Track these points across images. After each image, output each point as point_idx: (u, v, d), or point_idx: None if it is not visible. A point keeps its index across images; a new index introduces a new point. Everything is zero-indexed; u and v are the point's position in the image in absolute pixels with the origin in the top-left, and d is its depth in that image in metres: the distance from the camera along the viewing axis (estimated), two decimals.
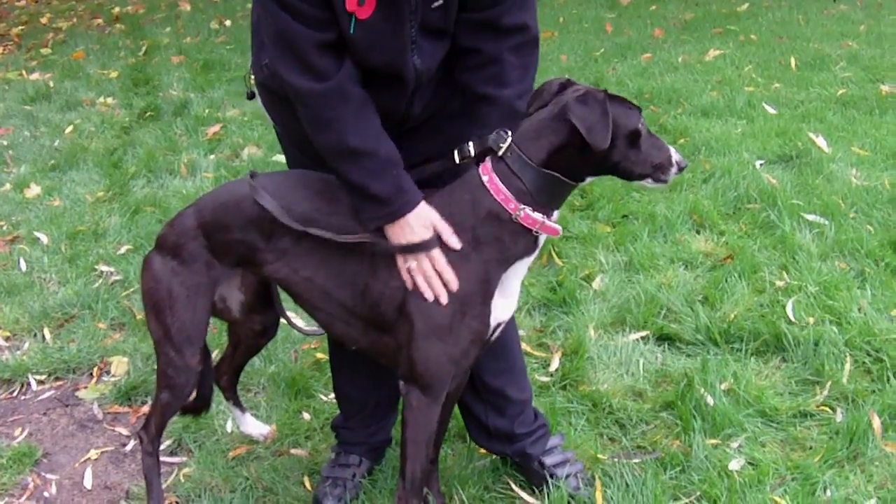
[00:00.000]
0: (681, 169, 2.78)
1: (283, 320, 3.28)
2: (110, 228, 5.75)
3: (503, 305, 2.84)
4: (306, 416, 3.91)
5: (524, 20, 2.83)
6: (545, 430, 3.44)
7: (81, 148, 7.34)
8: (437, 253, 2.72)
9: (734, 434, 3.59)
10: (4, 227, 5.97)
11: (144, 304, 3.03)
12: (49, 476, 3.73)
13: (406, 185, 2.75)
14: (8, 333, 4.71)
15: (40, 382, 4.33)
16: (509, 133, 2.74)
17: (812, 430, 3.64)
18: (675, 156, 2.78)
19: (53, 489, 3.66)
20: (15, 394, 4.28)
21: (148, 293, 3.00)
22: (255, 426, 3.60)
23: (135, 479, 3.66)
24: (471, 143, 2.80)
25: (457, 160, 2.82)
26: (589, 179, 2.79)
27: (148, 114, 8.22)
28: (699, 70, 8.48)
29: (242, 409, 3.57)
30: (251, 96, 3.10)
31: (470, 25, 2.80)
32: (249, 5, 2.92)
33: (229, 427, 3.86)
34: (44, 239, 5.68)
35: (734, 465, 3.42)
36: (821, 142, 6.25)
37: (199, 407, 3.39)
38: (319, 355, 4.24)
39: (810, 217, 5.20)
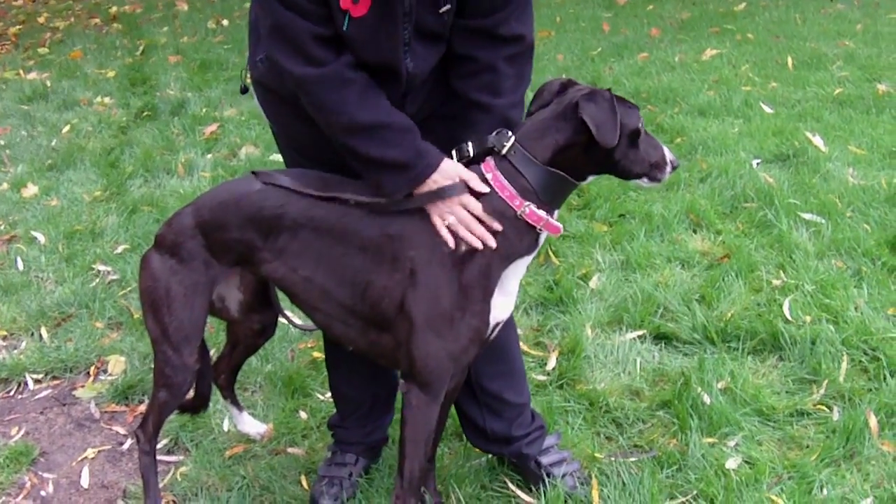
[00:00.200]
0: (674, 168, 2.83)
1: (281, 319, 3.28)
2: (107, 228, 5.74)
3: (502, 304, 2.84)
4: (303, 414, 3.91)
5: (521, 30, 2.83)
6: (542, 431, 3.44)
7: (79, 147, 7.33)
8: (467, 198, 2.71)
9: (731, 433, 3.60)
10: (2, 227, 5.96)
11: (142, 303, 3.03)
12: (46, 475, 3.73)
13: (425, 148, 2.75)
14: (5, 332, 4.70)
15: (37, 381, 4.33)
16: (510, 133, 2.75)
17: (809, 428, 3.64)
18: (669, 155, 2.82)
19: (50, 488, 3.66)
20: (12, 393, 4.28)
21: (146, 292, 3.00)
22: (252, 425, 3.60)
23: (132, 477, 3.66)
24: (469, 144, 2.81)
25: (455, 161, 2.83)
26: (590, 178, 2.82)
27: (145, 113, 8.21)
28: (696, 69, 8.48)
29: (240, 408, 3.57)
30: (244, 90, 3.10)
31: (466, 32, 2.81)
32: (247, 5, 2.93)
33: (226, 426, 3.86)
34: (41, 238, 5.68)
35: (731, 463, 3.43)
36: (817, 141, 6.25)
37: (198, 405, 3.39)
38: (316, 354, 4.25)
39: (807, 216, 5.20)
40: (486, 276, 2.75)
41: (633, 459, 3.51)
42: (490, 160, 2.76)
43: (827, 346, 4.02)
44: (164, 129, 7.65)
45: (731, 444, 3.54)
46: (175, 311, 2.95)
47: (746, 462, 3.45)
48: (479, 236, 2.71)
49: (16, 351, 4.55)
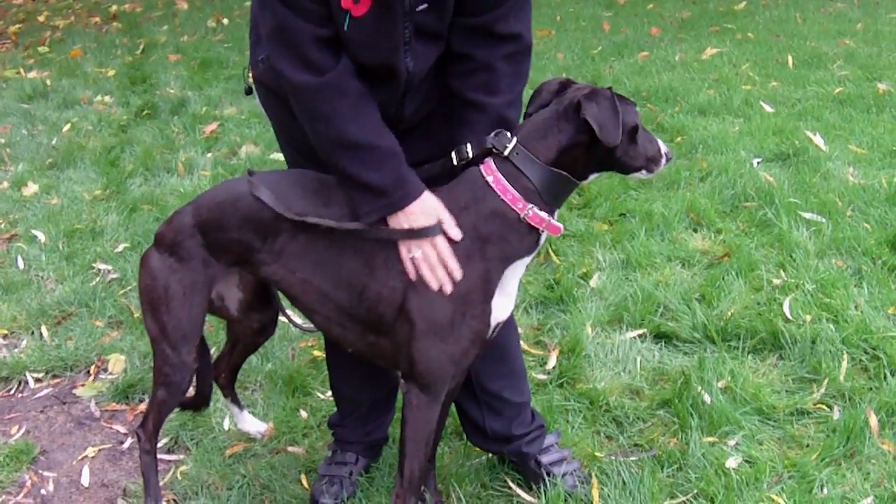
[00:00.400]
0: (668, 160, 2.86)
1: (281, 318, 3.28)
2: (108, 226, 5.75)
3: (502, 304, 2.84)
4: (303, 413, 3.91)
5: (519, 29, 2.83)
6: (542, 431, 3.43)
7: (79, 146, 7.33)
8: (440, 240, 2.70)
9: (731, 432, 3.60)
10: (2, 226, 5.96)
11: (141, 301, 3.03)
12: (46, 474, 3.73)
13: (406, 177, 2.74)
14: (5, 331, 4.70)
15: (38, 380, 4.33)
16: (510, 134, 2.75)
17: (809, 427, 3.64)
18: (664, 148, 2.85)
19: (51, 487, 3.66)
20: (12, 391, 4.28)
21: (145, 290, 3.00)
22: (252, 424, 3.60)
23: (132, 476, 3.66)
24: (468, 145, 2.80)
25: (455, 162, 2.83)
26: (591, 177, 2.82)
27: (145, 112, 8.21)
28: (696, 68, 8.48)
29: (240, 407, 3.57)
30: (248, 91, 3.10)
31: (464, 30, 2.80)
32: (247, 3, 2.93)
33: (226, 425, 3.86)
34: (41, 237, 5.68)
35: (731, 462, 3.42)
36: (818, 140, 6.26)
37: (199, 403, 3.39)
38: (316, 353, 4.25)
39: (807, 215, 5.20)
40: (486, 279, 2.74)
41: (633, 458, 3.51)
42: (490, 161, 2.75)
43: (827, 345, 4.02)
44: (164, 128, 7.65)
45: (732, 443, 3.54)
46: (174, 310, 2.95)
47: (747, 461, 3.45)
48: (437, 279, 2.71)
49: (16, 349, 4.55)
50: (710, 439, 3.56)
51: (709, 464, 3.42)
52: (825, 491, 3.27)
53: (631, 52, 9.31)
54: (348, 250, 2.79)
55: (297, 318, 3.29)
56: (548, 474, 3.35)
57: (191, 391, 3.24)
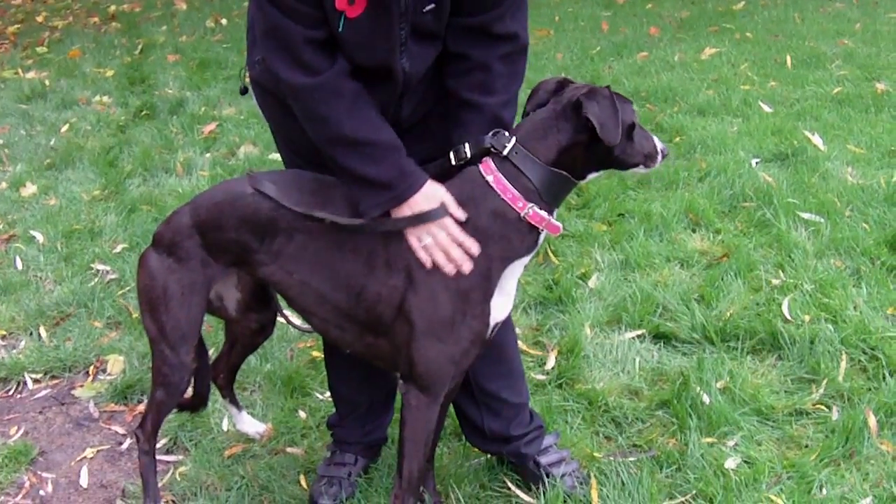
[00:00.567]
0: (664, 156, 2.87)
1: (280, 318, 3.28)
2: (106, 227, 5.74)
3: (501, 304, 2.84)
4: (302, 414, 3.91)
5: (515, 29, 2.82)
6: (540, 431, 3.43)
7: (77, 146, 7.33)
8: (448, 221, 2.70)
9: (730, 432, 3.60)
10: (0, 226, 5.96)
11: (140, 302, 3.03)
12: (45, 474, 3.73)
13: (409, 168, 2.74)
14: (4, 332, 4.70)
15: (36, 381, 4.33)
16: (507, 133, 2.75)
17: (808, 428, 3.64)
18: (659, 144, 2.86)
19: (49, 488, 3.65)
20: (11, 392, 4.27)
21: (143, 290, 3.00)
22: (251, 424, 3.60)
23: (131, 477, 3.66)
24: (466, 145, 2.80)
25: (453, 162, 2.82)
26: (590, 177, 2.82)
27: (144, 112, 8.20)
28: (695, 68, 8.49)
29: (239, 408, 3.57)
30: (244, 91, 3.10)
31: (461, 30, 2.80)
32: (245, 4, 2.93)
33: (225, 425, 3.85)
34: (40, 237, 5.67)
35: (730, 463, 3.42)
36: (816, 140, 6.26)
37: (196, 404, 3.39)
38: (315, 354, 4.25)
39: (806, 215, 5.21)
40: (486, 279, 2.74)
41: (632, 459, 3.51)
42: (489, 161, 2.75)
43: (826, 345, 4.02)
44: (162, 128, 7.65)
45: (731, 443, 3.54)
46: (172, 310, 2.94)
47: (745, 462, 3.45)
48: (455, 260, 2.70)
49: (14, 350, 4.55)
50: (709, 440, 3.56)
51: (708, 464, 3.42)
52: (824, 491, 3.27)
53: (630, 52, 9.31)
54: (346, 251, 2.79)
55: (296, 319, 3.29)
56: (547, 475, 3.35)
57: (189, 392, 3.24)
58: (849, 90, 7.51)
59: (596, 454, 3.54)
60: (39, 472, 3.74)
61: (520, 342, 3.86)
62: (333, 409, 3.57)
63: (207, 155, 6.95)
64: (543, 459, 3.38)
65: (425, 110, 2.97)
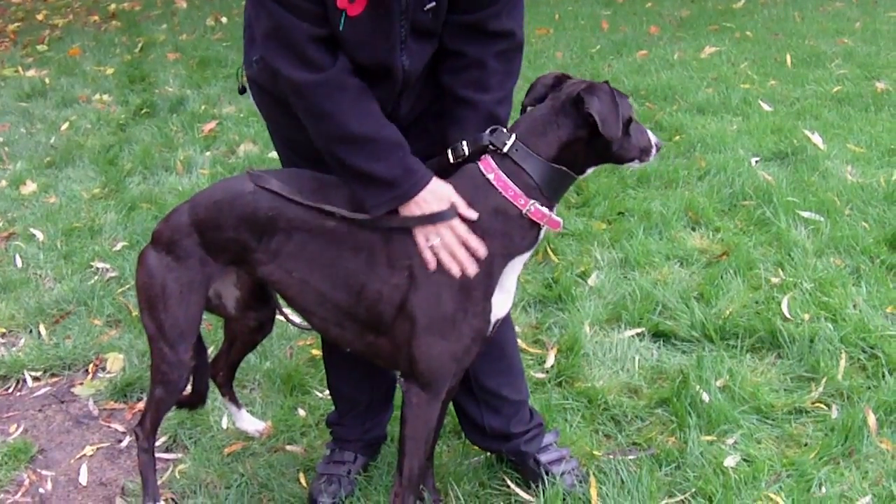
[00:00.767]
0: (658, 149, 2.88)
1: (279, 316, 3.28)
2: (106, 225, 5.75)
3: (502, 301, 2.84)
4: (301, 412, 3.91)
5: (511, 26, 2.83)
6: (540, 429, 3.43)
7: (77, 145, 7.34)
8: (457, 222, 2.70)
9: (729, 431, 3.59)
10: (0, 224, 5.96)
11: (139, 300, 3.03)
12: (44, 472, 3.73)
13: (414, 166, 2.73)
14: (3, 330, 4.70)
15: (36, 379, 4.33)
16: (505, 130, 2.75)
17: (807, 426, 3.64)
18: (653, 138, 2.87)
19: (49, 485, 3.65)
20: (10, 390, 4.27)
21: (142, 288, 2.99)
22: (250, 422, 3.60)
23: (130, 475, 3.66)
24: (465, 143, 2.80)
25: (451, 160, 2.82)
26: (589, 171, 2.82)
27: (144, 111, 8.21)
28: (695, 67, 8.49)
29: (238, 406, 3.57)
30: (242, 91, 3.10)
31: (457, 28, 2.80)
32: (245, 2, 2.92)
33: (225, 423, 3.85)
34: (39, 235, 5.68)
35: (729, 461, 3.42)
36: (816, 139, 6.26)
37: (195, 401, 3.39)
38: (315, 352, 4.25)
39: (806, 214, 5.21)
40: (488, 276, 2.74)
41: (631, 457, 3.50)
42: (489, 158, 2.75)
43: (825, 343, 4.02)
44: (162, 127, 7.65)
45: (730, 441, 3.54)
46: (171, 309, 2.94)
47: (745, 460, 3.45)
48: (461, 262, 2.70)
49: (14, 348, 4.55)
50: (709, 438, 3.56)
51: (707, 462, 3.42)
52: (823, 490, 3.27)
53: (630, 50, 9.31)
54: (346, 249, 2.78)
55: (295, 317, 3.29)
56: (546, 473, 3.35)
57: (187, 389, 3.24)
58: (849, 89, 7.52)
59: (595, 452, 3.54)
60: (39, 470, 3.74)
61: (519, 340, 3.87)
62: (333, 407, 3.57)
63: (207, 153, 6.96)
64: (543, 457, 3.38)
65: (422, 108, 2.98)
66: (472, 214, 2.72)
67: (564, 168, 2.73)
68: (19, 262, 5.38)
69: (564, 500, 3.28)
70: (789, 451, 3.51)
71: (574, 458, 3.45)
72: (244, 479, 3.54)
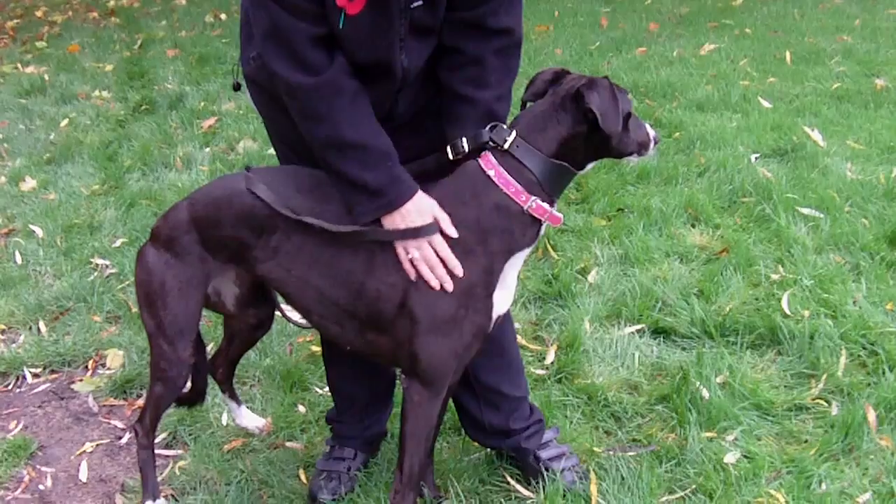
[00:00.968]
0: (656, 143, 2.88)
1: (278, 313, 3.27)
2: (105, 221, 5.75)
3: (503, 298, 2.84)
4: (301, 408, 3.91)
5: (509, 23, 2.82)
6: (540, 426, 3.43)
7: (76, 141, 7.33)
8: (438, 239, 2.70)
9: (729, 427, 3.59)
10: (0, 221, 5.96)
11: (138, 297, 3.03)
12: (44, 469, 3.73)
13: (401, 176, 2.73)
14: (3, 326, 4.70)
15: (35, 375, 4.33)
16: (506, 126, 2.75)
17: (807, 423, 3.64)
18: (651, 132, 2.87)
19: (49, 482, 3.65)
20: (10, 387, 4.27)
21: (141, 285, 2.99)
22: (250, 419, 3.60)
23: (130, 471, 3.66)
24: (464, 140, 2.80)
25: (450, 157, 2.82)
26: (589, 167, 2.82)
27: (143, 107, 8.21)
28: (694, 64, 8.49)
29: (238, 402, 3.57)
30: (237, 88, 3.10)
31: (456, 25, 2.80)
32: None
33: (225, 420, 3.85)
34: (39, 232, 5.67)
35: (729, 458, 3.42)
36: (816, 136, 6.26)
37: (194, 398, 3.39)
38: (314, 348, 4.24)
39: (805, 211, 5.21)
40: (489, 273, 2.75)
41: (631, 454, 3.50)
42: (489, 155, 2.75)
43: (825, 340, 4.02)
44: (162, 123, 7.65)
45: (730, 438, 3.54)
46: (170, 306, 2.94)
47: (745, 456, 3.45)
48: (438, 278, 2.71)
49: (14, 345, 4.55)
50: (709, 434, 3.56)
51: (707, 459, 3.42)
52: (824, 486, 3.27)
53: (629, 47, 9.31)
54: (345, 248, 2.78)
55: (293, 314, 3.28)
56: (546, 469, 3.34)
57: (187, 386, 3.24)
58: (848, 86, 7.52)
59: (596, 449, 3.54)
60: (39, 467, 3.74)
61: (519, 337, 3.87)
62: (332, 404, 3.57)
63: (207, 150, 6.95)
64: (543, 454, 3.38)
65: (419, 106, 2.97)
66: (453, 232, 2.72)
67: (565, 163, 2.73)
68: (19, 259, 5.37)
69: (565, 496, 3.28)
70: (789, 448, 3.51)
71: (574, 454, 3.45)
72: (244, 475, 3.54)
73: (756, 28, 9.76)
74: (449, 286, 2.71)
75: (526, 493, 3.36)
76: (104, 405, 4.10)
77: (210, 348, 3.48)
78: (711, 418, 3.62)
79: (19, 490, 3.61)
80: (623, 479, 3.35)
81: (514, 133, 2.73)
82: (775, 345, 4.10)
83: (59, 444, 3.88)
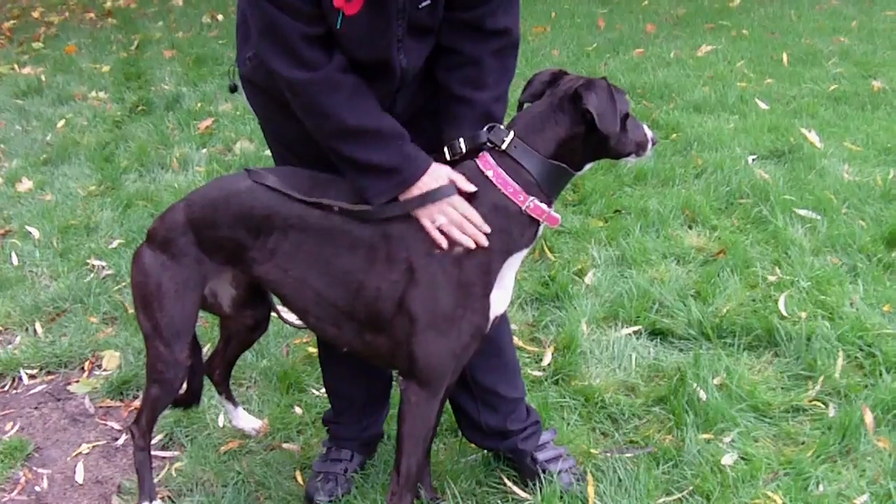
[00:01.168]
0: (654, 144, 2.89)
1: (274, 314, 3.27)
2: (102, 222, 5.74)
3: (500, 298, 2.84)
4: (298, 410, 3.90)
5: (507, 24, 2.83)
6: (537, 427, 3.43)
7: (73, 142, 7.33)
8: (457, 199, 2.70)
9: (727, 429, 3.59)
10: None
11: (134, 298, 3.03)
12: (41, 470, 3.72)
13: (413, 153, 2.74)
14: None
15: (32, 377, 4.32)
16: (503, 127, 2.75)
17: (804, 424, 3.64)
18: (649, 133, 2.88)
19: (45, 483, 3.65)
20: (6, 388, 4.27)
21: (137, 287, 2.99)
22: (247, 420, 3.60)
23: (126, 473, 3.65)
24: (462, 140, 2.80)
25: (448, 157, 2.82)
26: (586, 167, 2.83)
27: (140, 108, 8.20)
28: (691, 65, 8.49)
29: (235, 404, 3.57)
30: (233, 89, 3.10)
31: (454, 25, 2.81)
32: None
33: (221, 421, 3.85)
34: (35, 233, 5.67)
35: (727, 459, 3.42)
36: (813, 137, 6.26)
37: (190, 400, 3.39)
38: (311, 350, 4.24)
39: (802, 212, 5.21)
40: (487, 272, 2.75)
41: (628, 455, 3.50)
42: (487, 156, 2.75)
43: (822, 342, 4.01)
44: (158, 124, 7.64)
45: (727, 440, 3.54)
46: (166, 307, 2.94)
47: (742, 458, 3.45)
48: (470, 235, 2.70)
49: (10, 346, 4.54)
50: (706, 436, 3.56)
51: (704, 461, 3.42)
52: (821, 488, 3.27)
53: (626, 48, 9.32)
54: (344, 247, 2.78)
55: (289, 315, 3.28)
56: (543, 471, 3.34)
57: (183, 388, 3.23)
58: (845, 87, 7.53)
59: (593, 450, 3.53)
60: (35, 468, 3.73)
61: (516, 338, 3.87)
62: (329, 405, 3.57)
63: (203, 151, 6.95)
64: (540, 456, 3.38)
65: (417, 106, 2.98)
66: (470, 187, 2.72)
67: (563, 164, 2.73)
68: (15, 260, 5.36)
69: (562, 498, 3.28)
70: (787, 450, 3.51)
71: (571, 456, 3.45)
72: (241, 477, 3.53)
73: (753, 29, 9.77)
74: (483, 241, 2.70)
75: (523, 494, 3.35)
76: (100, 406, 4.09)
77: (206, 350, 3.47)
78: (708, 420, 3.62)
79: (15, 492, 3.60)
80: (620, 480, 3.35)
81: (512, 134, 2.73)
82: (772, 346, 4.10)
83: (56, 446, 3.87)
